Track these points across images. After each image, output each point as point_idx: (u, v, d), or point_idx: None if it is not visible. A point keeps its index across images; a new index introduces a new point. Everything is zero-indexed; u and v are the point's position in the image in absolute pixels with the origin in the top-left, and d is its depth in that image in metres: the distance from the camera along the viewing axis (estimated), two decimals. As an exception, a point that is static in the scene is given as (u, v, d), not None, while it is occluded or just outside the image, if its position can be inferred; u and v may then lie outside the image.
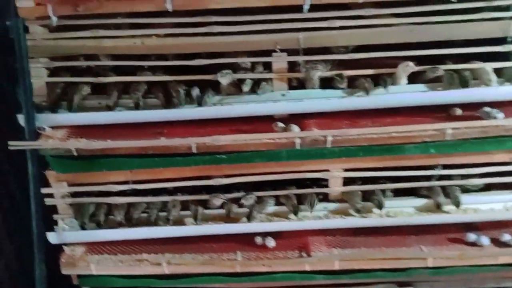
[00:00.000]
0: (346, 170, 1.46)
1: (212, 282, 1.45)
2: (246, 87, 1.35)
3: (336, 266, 1.42)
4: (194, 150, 1.30)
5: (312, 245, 1.46)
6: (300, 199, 1.49)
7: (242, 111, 1.36)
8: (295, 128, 1.33)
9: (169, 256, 1.44)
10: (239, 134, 1.32)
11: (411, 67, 1.34)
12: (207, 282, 1.45)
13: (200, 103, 1.33)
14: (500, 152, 1.42)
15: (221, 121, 1.41)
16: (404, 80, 1.39)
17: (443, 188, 1.49)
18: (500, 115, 1.32)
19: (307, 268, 1.42)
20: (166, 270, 1.42)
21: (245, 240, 1.50)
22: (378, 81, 1.39)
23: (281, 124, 1.36)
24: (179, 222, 1.49)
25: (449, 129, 1.30)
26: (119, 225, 1.48)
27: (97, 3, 1.23)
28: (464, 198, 1.46)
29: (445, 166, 1.47)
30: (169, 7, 1.23)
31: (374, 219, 1.47)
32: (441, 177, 1.48)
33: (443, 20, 1.34)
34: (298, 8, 1.33)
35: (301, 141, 1.31)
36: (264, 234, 1.50)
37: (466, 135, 1.31)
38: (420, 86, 1.38)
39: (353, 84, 1.40)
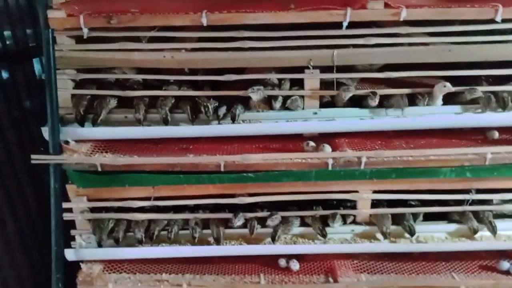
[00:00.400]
0: (375, 192, 1.43)
1: (235, 306, 1.40)
2: (277, 104, 1.31)
3: (364, 293, 1.36)
4: (222, 168, 1.26)
5: (339, 270, 1.40)
6: (326, 221, 1.45)
7: (273, 129, 1.32)
8: (327, 148, 1.29)
9: (190, 277, 1.39)
10: (269, 153, 1.27)
11: (448, 87, 1.30)
12: (229, 306, 1.40)
13: (232, 118, 1.29)
14: None
15: (248, 138, 1.37)
16: (439, 100, 1.34)
17: (475, 213, 1.44)
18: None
19: (335, 293, 1.37)
20: (186, 291, 1.37)
21: (269, 262, 1.44)
22: (411, 101, 1.36)
23: (312, 143, 1.31)
24: (201, 241, 1.45)
25: (489, 153, 1.25)
26: (138, 242, 1.44)
27: (131, 17, 1.20)
28: (497, 224, 1.42)
29: (478, 191, 1.43)
30: (204, 21, 1.20)
31: (404, 244, 1.41)
32: (473, 202, 1.43)
33: (482, 40, 1.31)
34: (333, 25, 1.29)
35: (334, 161, 1.26)
36: (288, 256, 1.45)
37: (507, 160, 1.27)
38: (456, 108, 1.34)
39: (383, 103, 1.36)
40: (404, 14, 1.17)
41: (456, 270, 1.41)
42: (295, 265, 1.43)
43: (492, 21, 1.25)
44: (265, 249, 1.42)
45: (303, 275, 1.41)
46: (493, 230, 1.40)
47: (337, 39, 1.31)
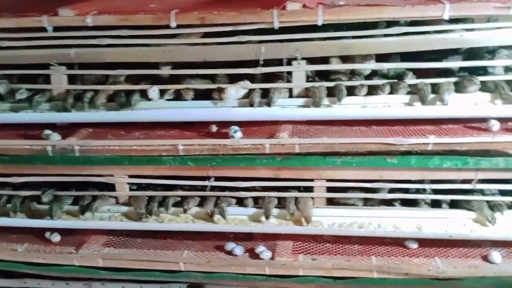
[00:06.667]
0: (131, 176, 1.60)
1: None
2: (19, 95, 1.51)
3: (100, 263, 1.55)
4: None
5: (87, 243, 1.60)
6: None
7: (15, 118, 1.53)
8: (55, 136, 1.48)
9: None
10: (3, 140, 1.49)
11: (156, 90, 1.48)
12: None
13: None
14: (264, 168, 1.50)
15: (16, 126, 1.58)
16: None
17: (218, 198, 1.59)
18: (238, 134, 1.40)
19: (76, 263, 1.56)
20: None
21: (36, 234, 1.65)
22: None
23: (48, 132, 1.50)
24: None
25: (180, 145, 1.40)
26: None
27: None
28: (232, 209, 1.57)
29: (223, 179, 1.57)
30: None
31: (149, 224, 1.58)
32: (215, 189, 1.58)
33: (199, 42, 1.44)
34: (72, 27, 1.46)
35: (52, 148, 1.45)
36: (58, 230, 1.65)
37: (198, 151, 1.41)
38: (178, 103, 1.49)
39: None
40: (89, 20, 1.33)
41: (191, 248, 1.56)
42: (55, 237, 1.64)
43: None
44: (30, 222, 1.63)
45: (59, 246, 1.61)
46: (223, 215, 1.54)
47: (77, 40, 1.48)
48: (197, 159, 1.47)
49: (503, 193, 1.46)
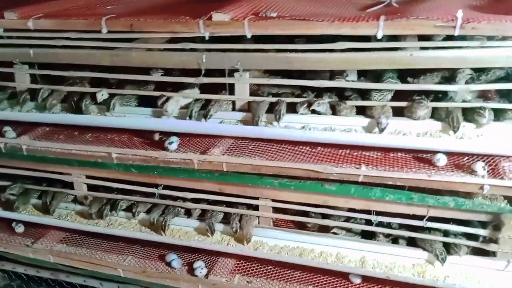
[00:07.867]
0: (89, 177, 1.62)
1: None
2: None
3: (51, 259, 1.59)
4: None
5: (44, 237, 1.66)
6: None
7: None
8: (10, 133, 1.52)
9: None
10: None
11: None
12: None
13: None
14: (207, 182, 1.44)
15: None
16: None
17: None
18: (173, 146, 1.35)
19: (30, 255, 1.62)
20: None
21: (5, 223, 1.73)
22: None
23: (6, 128, 1.54)
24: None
25: (114, 153, 1.38)
26: None
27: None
28: (178, 220, 1.53)
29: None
30: None
31: (92, 226, 1.59)
32: (165, 197, 1.55)
33: (142, 47, 1.39)
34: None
35: (4, 145, 1.50)
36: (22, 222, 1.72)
37: (131, 161, 1.38)
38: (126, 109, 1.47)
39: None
40: (30, 24, 1.34)
41: (134, 254, 1.57)
42: (19, 228, 1.71)
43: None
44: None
45: (21, 237, 1.69)
46: (164, 227, 1.50)
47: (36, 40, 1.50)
48: (140, 167, 1.44)
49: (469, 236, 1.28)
